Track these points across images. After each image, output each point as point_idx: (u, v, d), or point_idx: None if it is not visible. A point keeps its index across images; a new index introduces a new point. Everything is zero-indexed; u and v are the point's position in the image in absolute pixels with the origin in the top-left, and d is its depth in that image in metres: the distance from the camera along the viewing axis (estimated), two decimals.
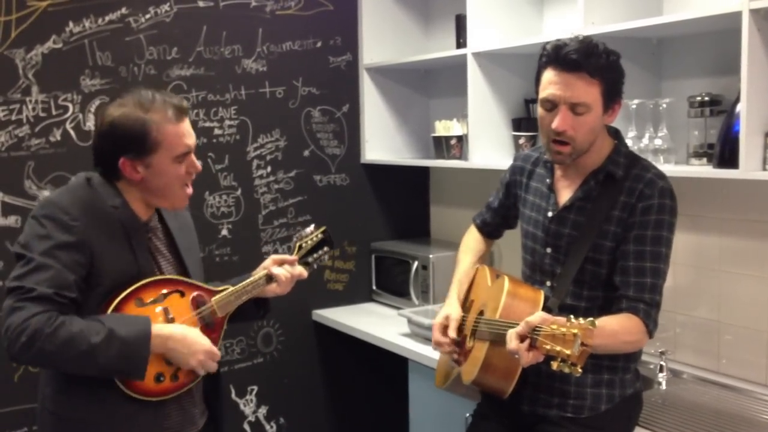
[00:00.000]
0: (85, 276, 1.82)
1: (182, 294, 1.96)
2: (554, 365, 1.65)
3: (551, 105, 1.93)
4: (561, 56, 1.89)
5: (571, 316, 1.65)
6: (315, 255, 2.24)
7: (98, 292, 1.84)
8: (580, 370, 1.62)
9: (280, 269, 2.10)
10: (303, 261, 2.20)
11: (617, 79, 1.95)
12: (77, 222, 1.82)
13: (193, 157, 1.96)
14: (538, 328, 1.71)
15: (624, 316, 1.89)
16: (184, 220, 2.14)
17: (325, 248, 2.25)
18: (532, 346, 1.73)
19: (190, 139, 1.94)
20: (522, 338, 1.74)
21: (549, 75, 1.93)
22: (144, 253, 1.93)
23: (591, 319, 1.63)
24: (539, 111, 1.98)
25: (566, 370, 1.63)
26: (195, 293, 1.99)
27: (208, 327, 2.00)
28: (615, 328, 1.85)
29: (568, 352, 1.61)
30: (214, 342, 2.00)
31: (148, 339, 1.81)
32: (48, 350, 1.73)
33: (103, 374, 1.82)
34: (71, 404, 1.89)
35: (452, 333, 2.15)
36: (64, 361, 1.77)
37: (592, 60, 1.88)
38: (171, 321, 1.91)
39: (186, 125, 1.93)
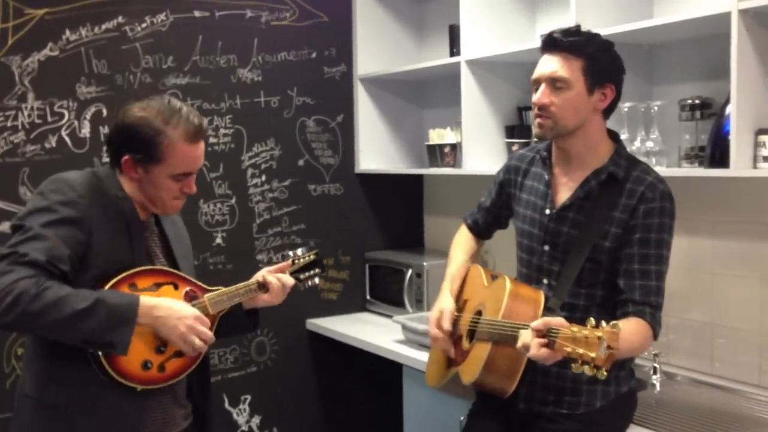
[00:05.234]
0: (81, 255, 1.83)
1: (176, 287, 1.97)
2: (575, 368, 1.63)
3: (537, 85, 2.01)
4: (546, 39, 2.00)
5: (591, 319, 1.64)
6: (306, 273, 2.29)
7: (91, 275, 1.85)
8: (605, 373, 1.60)
9: (272, 277, 2.13)
10: (294, 276, 2.23)
11: (602, 59, 1.97)
12: (83, 199, 1.85)
13: (192, 178, 1.98)
14: (555, 330, 1.70)
15: (633, 320, 1.89)
16: (181, 230, 2.16)
17: (317, 269, 2.31)
18: (548, 347, 1.71)
19: (196, 162, 1.96)
20: (538, 334, 1.73)
21: (539, 61, 2.02)
22: (140, 245, 1.95)
23: (614, 322, 1.62)
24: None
25: (588, 373, 1.61)
26: (188, 288, 2.00)
27: None
28: (631, 333, 1.84)
29: (592, 354, 1.59)
30: None
31: (136, 307, 1.81)
32: (31, 311, 1.71)
33: (85, 343, 1.79)
34: (52, 388, 1.87)
35: (446, 324, 2.16)
36: (47, 324, 1.74)
37: (571, 38, 1.96)
38: None
39: (199, 148, 1.96)
